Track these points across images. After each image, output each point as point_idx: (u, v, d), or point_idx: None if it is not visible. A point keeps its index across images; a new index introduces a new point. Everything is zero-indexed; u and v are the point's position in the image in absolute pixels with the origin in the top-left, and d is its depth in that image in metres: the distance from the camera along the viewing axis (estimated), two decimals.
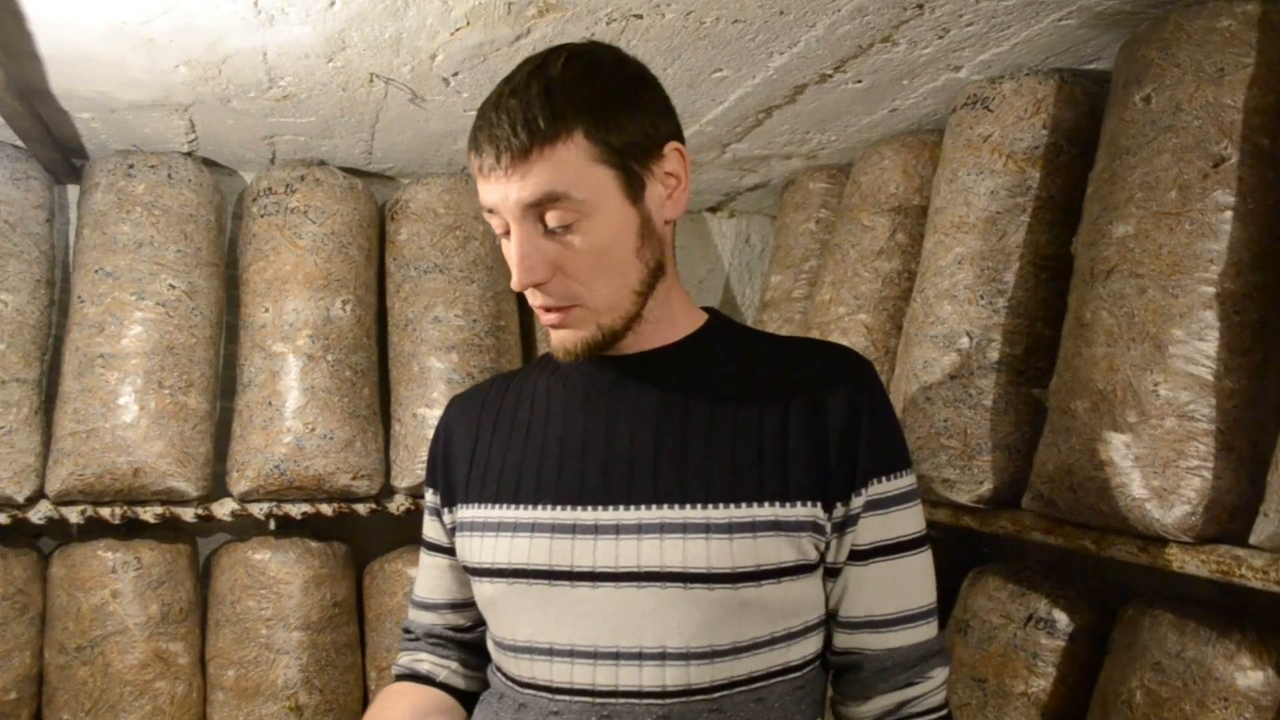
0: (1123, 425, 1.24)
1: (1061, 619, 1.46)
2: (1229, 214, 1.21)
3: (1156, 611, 1.29)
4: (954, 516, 1.60)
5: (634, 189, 0.92)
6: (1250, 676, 1.14)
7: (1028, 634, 1.48)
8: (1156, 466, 1.21)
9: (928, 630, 0.98)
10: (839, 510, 0.94)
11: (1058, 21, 1.43)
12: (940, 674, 0.98)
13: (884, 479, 0.95)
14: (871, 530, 0.95)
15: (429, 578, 1.16)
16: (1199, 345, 1.20)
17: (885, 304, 1.89)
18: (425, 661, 1.15)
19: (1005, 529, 1.51)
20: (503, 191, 0.89)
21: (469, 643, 1.15)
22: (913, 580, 0.98)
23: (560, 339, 0.95)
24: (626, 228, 0.92)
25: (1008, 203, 1.57)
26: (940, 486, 1.56)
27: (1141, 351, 1.24)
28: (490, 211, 0.92)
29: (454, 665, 1.14)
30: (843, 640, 0.98)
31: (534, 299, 0.94)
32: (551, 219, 0.89)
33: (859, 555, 0.96)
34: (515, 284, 0.91)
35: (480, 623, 1.13)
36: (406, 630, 1.18)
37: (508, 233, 0.92)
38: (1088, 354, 1.32)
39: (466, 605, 1.14)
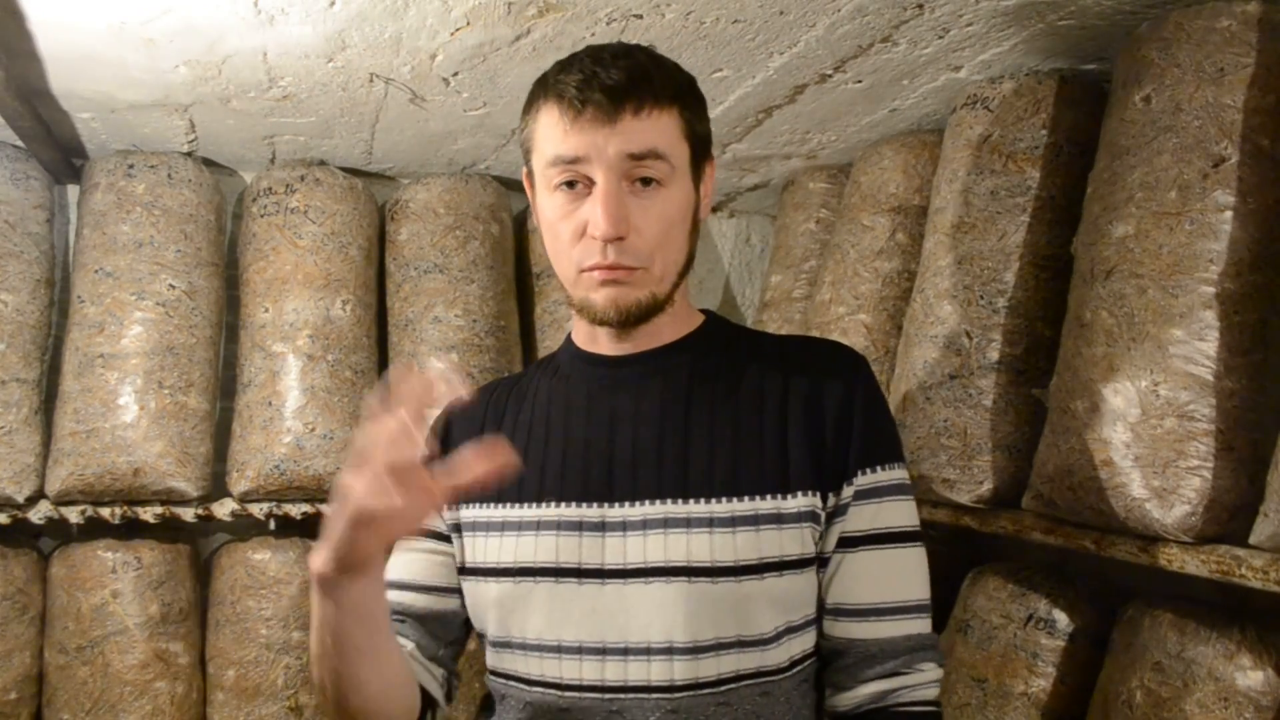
0: (1123, 425, 1.24)
1: (1061, 619, 1.46)
2: (1229, 214, 1.21)
3: (1156, 611, 1.29)
4: (954, 516, 1.60)
5: (697, 175, 0.99)
6: (1250, 676, 1.14)
7: (1028, 634, 1.48)
8: (1156, 466, 1.21)
9: (919, 625, 0.97)
10: (831, 500, 0.96)
11: (1058, 21, 1.43)
12: (930, 669, 0.97)
13: (875, 469, 0.97)
14: (862, 519, 0.96)
15: (410, 561, 1.09)
16: (1199, 345, 1.20)
17: (885, 304, 1.89)
18: None
19: (1005, 529, 1.51)
20: (601, 141, 0.90)
21: (422, 623, 1.07)
22: (903, 573, 0.98)
23: (613, 296, 0.94)
24: (688, 206, 0.97)
25: (1008, 203, 1.57)
26: (940, 486, 1.56)
27: (1141, 351, 1.24)
28: (568, 162, 0.91)
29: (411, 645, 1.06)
30: (829, 627, 0.98)
31: (601, 256, 0.92)
32: (644, 175, 0.92)
33: (848, 543, 0.96)
34: (603, 233, 0.90)
35: (435, 614, 1.06)
36: None
37: (569, 184, 0.93)
38: (1088, 354, 1.32)
39: (431, 590, 1.07)
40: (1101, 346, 1.30)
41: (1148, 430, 1.22)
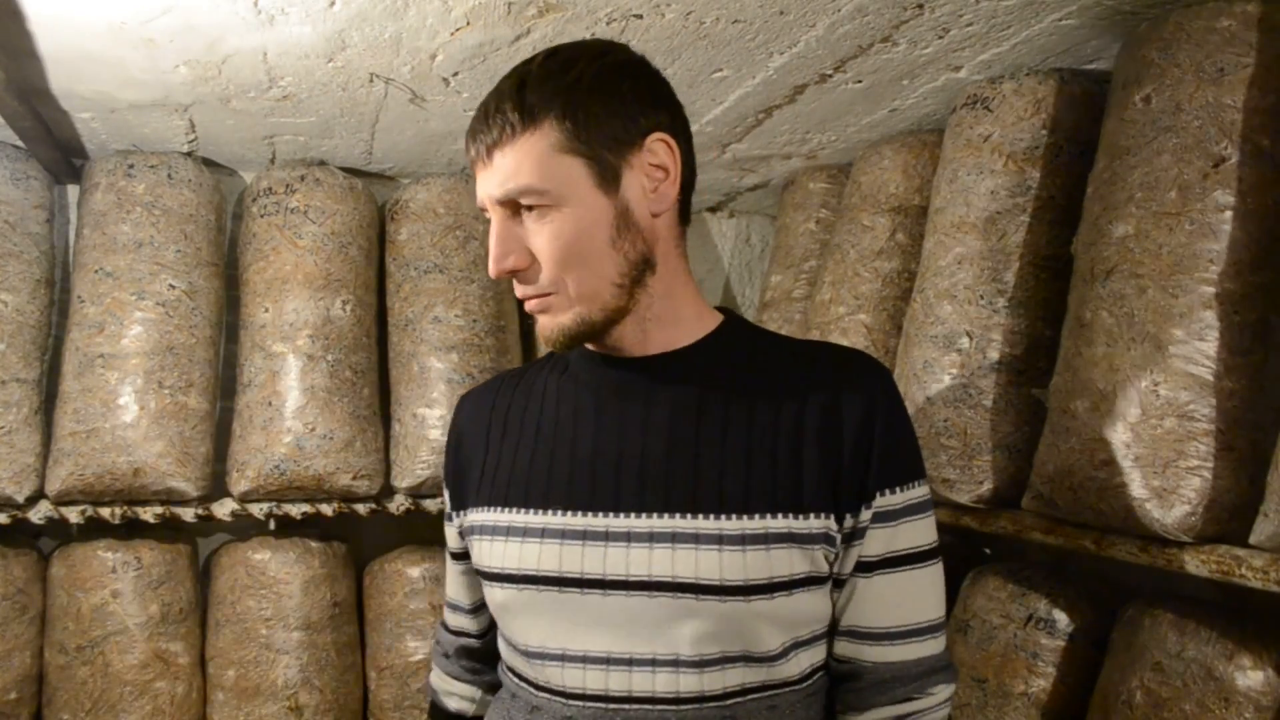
0: (1123, 425, 1.24)
1: (1061, 619, 1.46)
2: (1229, 214, 1.21)
3: (1156, 611, 1.29)
4: (954, 516, 1.60)
5: (607, 179, 0.91)
6: (1250, 676, 1.15)
7: (1028, 634, 1.48)
8: (1156, 466, 1.21)
9: (933, 645, 0.96)
10: (848, 522, 0.93)
11: (1058, 21, 1.43)
12: (943, 690, 0.96)
13: (894, 490, 0.93)
14: (879, 542, 0.93)
15: (455, 582, 1.18)
16: (1199, 345, 1.20)
17: (885, 304, 1.89)
18: (455, 696, 1.19)
19: (1005, 529, 1.51)
20: (483, 186, 0.94)
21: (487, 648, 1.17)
22: (919, 593, 0.95)
23: (541, 326, 0.97)
24: (599, 218, 0.91)
25: (1008, 203, 1.57)
26: (940, 486, 1.56)
27: (1141, 351, 1.24)
28: (482, 207, 0.96)
29: (482, 692, 1.18)
30: (843, 649, 0.97)
31: (516, 289, 0.96)
32: (524, 209, 0.92)
33: (865, 567, 0.94)
34: (491, 274, 0.95)
35: (490, 629, 1.15)
36: (439, 641, 1.21)
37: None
38: (1088, 354, 1.32)
39: (483, 609, 1.16)
40: (1101, 346, 1.30)
41: (1148, 430, 1.22)
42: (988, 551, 1.94)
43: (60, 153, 1.99)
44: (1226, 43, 1.25)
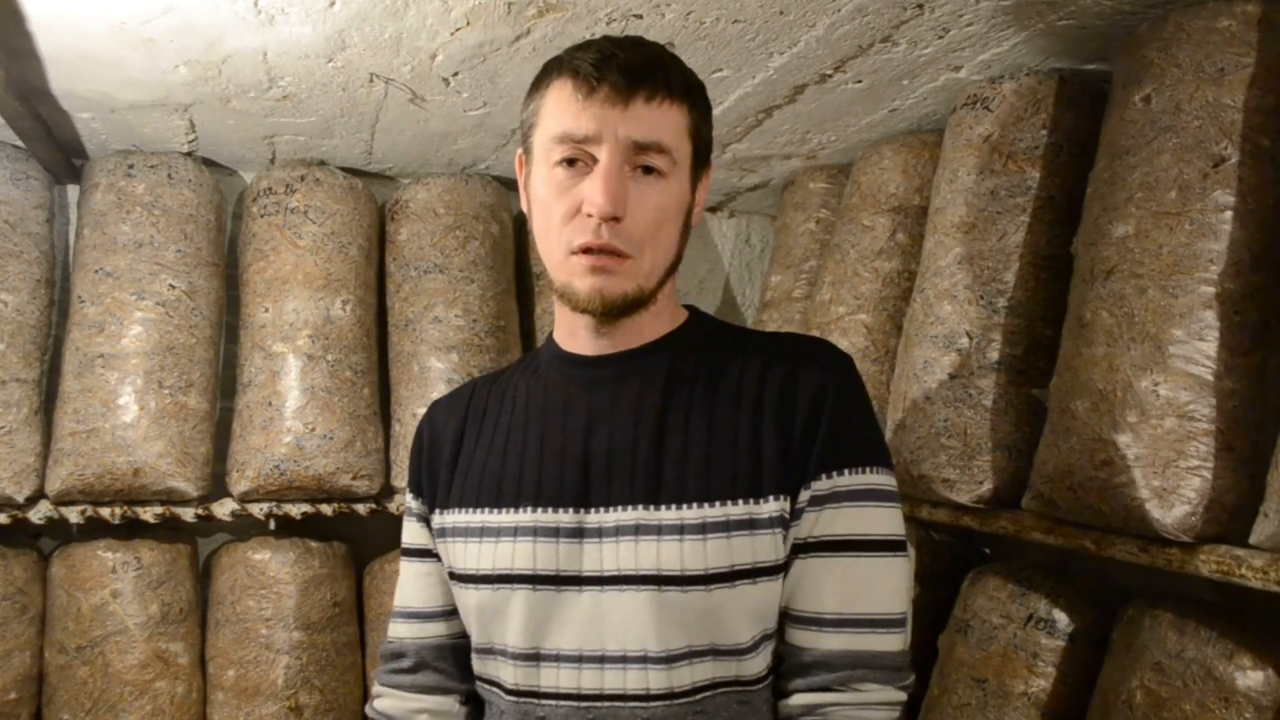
0: (1123, 425, 1.24)
1: (1061, 619, 1.46)
2: (1229, 214, 1.21)
3: (1156, 611, 1.29)
4: (954, 516, 1.60)
5: (695, 175, 0.98)
6: (1250, 676, 1.15)
7: (1028, 634, 1.48)
8: (1156, 466, 1.21)
9: (873, 641, 0.91)
10: (791, 502, 0.93)
11: (1057, 21, 1.43)
12: (874, 691, 0.90)
13: (840, 473, 0.92)
14: (816, 524, 0.92)
15: (421, 586, 1.09)
16: (1199, 345, 1.20)
17: (885, 304, 1.89)
18: (427, 713, 1.07)
19: (1005, 529, 1.51)
20: (613, 122, 0.90)
21: (451, 654, 1.09)
22: (862, 584, 0.92)
23: (599, 285, 0.92)
24: (683, 204, 0.97)
25: (1008, 203, 1.57)
26: (940, 486, 1.56)
27: (1141, 351, 1.24)
28: (577, 140, 0.91)
29: (458, 704, 1.08)
30: (784, 631, 0.96)
31: (594, 236, 0.90)
32: (646, 164, 0.92)
33: (799, 548, 0.93)
34: (600, 210, 0.89)
35: (454, 636, 1.10)
36: (396, 655, 1.09)
37: (569, 162, 0.92)
38: (1088, 354, 1.32)
39: (446, 615, 1.10)
40: (1101, 346, 1.30)
41: (1148, 430, 1.22)
42: (988, 551, 1.94)
43: (60, 153, 1.99)
44: (1226, 43, 1.25)
